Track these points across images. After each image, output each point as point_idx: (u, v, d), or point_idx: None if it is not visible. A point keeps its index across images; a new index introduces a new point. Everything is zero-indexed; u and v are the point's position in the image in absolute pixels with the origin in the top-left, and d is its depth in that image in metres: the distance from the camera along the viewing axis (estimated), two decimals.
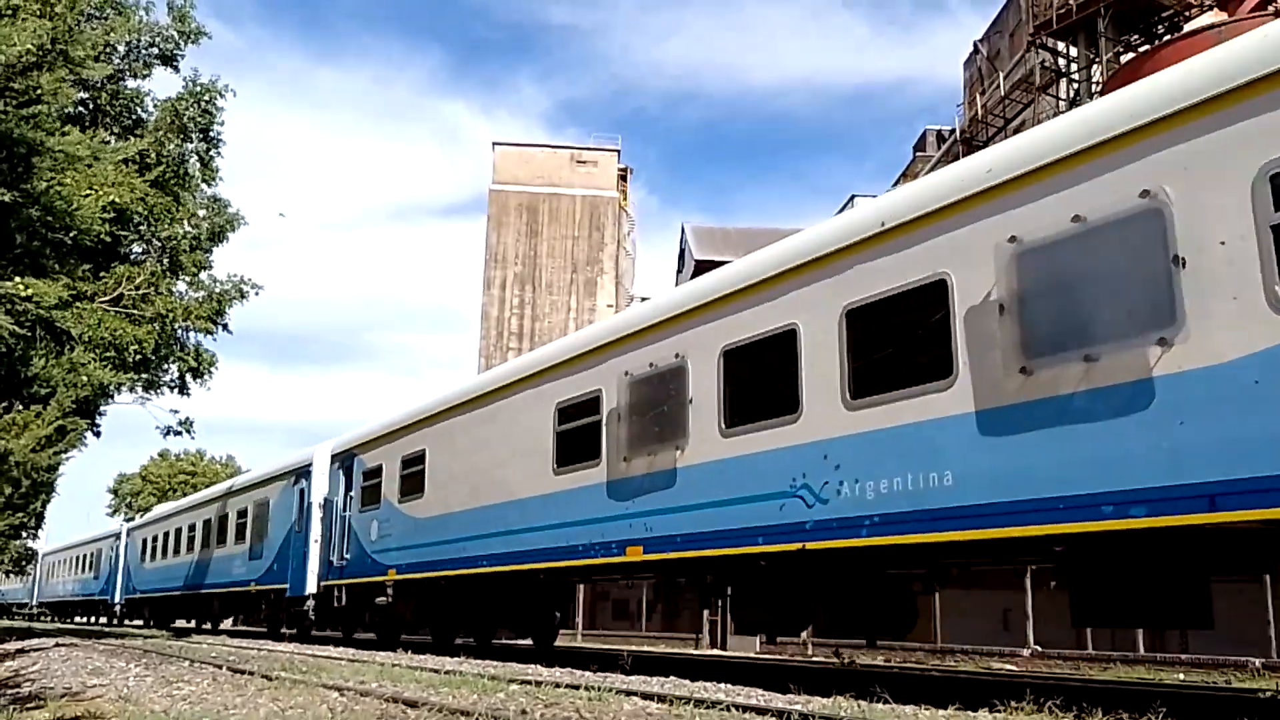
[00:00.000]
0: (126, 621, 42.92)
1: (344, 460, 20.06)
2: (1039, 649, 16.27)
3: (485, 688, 9.18)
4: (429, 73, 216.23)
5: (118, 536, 43.10)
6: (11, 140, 15.77)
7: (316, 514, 21.00)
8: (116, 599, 41.89)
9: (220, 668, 12.82)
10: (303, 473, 22.22)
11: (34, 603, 62.97)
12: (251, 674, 11.56)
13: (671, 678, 10.46)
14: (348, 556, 18.93)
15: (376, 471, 18.43)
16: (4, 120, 15.54)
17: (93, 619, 51.23)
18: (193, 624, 35.53)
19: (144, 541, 38.11)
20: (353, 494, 19.19)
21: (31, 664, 15.30)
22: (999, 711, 7.15)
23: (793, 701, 7.90)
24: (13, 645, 21.05)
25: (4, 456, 15.12)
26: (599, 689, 8.67)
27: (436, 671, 11.38)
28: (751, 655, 19.12)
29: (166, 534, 34.67)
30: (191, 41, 23.68)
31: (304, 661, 14.14)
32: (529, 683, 9.62)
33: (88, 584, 47.86)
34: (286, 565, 22.24)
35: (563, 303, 62.68)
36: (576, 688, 8.86)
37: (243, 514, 26.23)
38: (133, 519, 48.94)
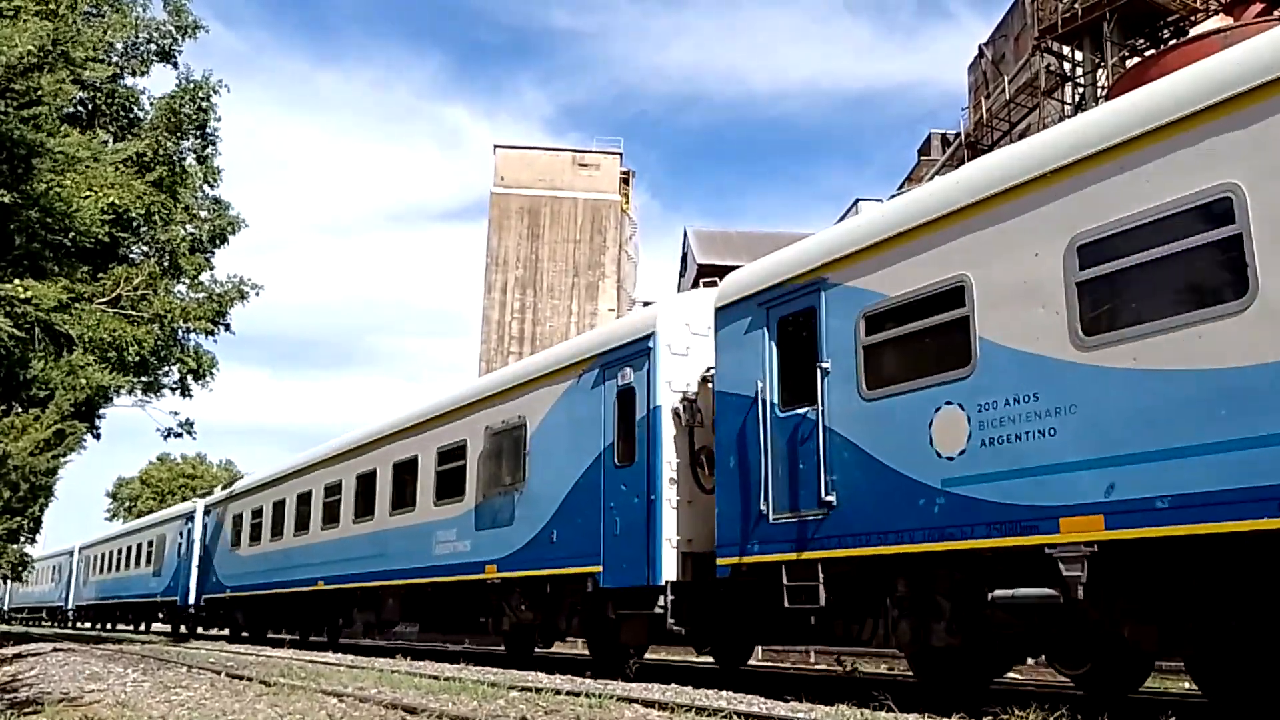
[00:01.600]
0: (201, 629, 33.64)
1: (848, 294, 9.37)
2: (1044, 656, 16.13)
3: (485, 694, 9.10)
4: (430, 76, 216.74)
5: (189, 518, 32.54)
6: (11, 141, 15.72)
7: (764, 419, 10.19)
8: (189, 600, 31.22)
9: (218, 673, 12.76)
10: (631, 355, 12.34)
11: (69, 607, 51.31)
12: (250, 679, 11.50)
13: (673, 685, 10.39)
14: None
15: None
16: (4, 121, 15.49)
17: (142, 626, 41.59)
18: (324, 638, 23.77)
19: (236, 519, 27.54)
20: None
21: (29, 669, 15.23)
22: (1003, 719, 7.06)
23: (794, 709, 7.82)
24: (10, 650, 20.98)
25: (2, 460, 15.03)
26: (599, 695, 8.59)
27: (436, 678, 11.30)
28: (753, 663, 19.00)
29: (278, 504, 24.15)
30: (189, 36, 23.64)
31: (303, 667, 14.06)
32: (529, 689, 9.55)
33: (144, 582, 36.89)
34: (605, 533, 12.05)
35: (564, 306, 62.67)
36: (577, 694, 8.77)
37: (452, 454, 16.08)
38: (209, 492, 37.26)
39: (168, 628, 37.67)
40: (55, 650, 19.80)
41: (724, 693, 9.37)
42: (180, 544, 32.43)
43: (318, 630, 23.82)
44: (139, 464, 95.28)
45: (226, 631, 30.63)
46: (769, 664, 18.72)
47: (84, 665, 15.19)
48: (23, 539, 34.98)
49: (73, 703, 9.94)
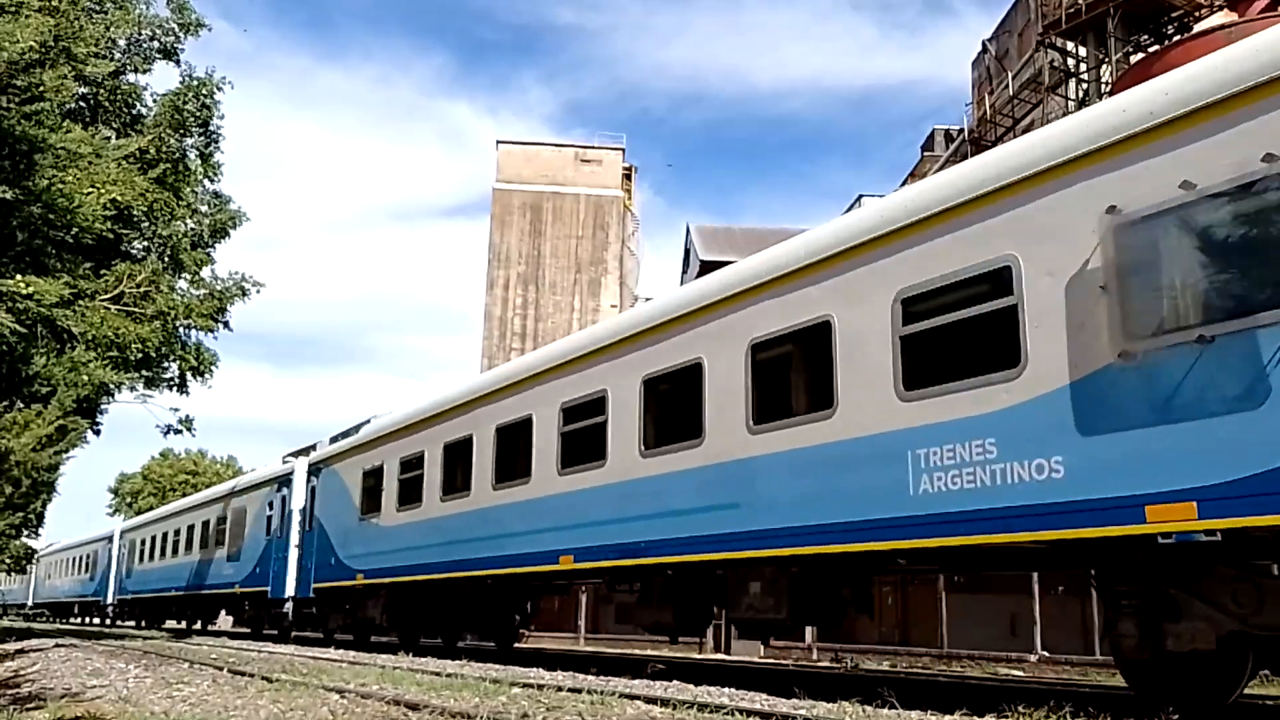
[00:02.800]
0: (303, 629, 24.16)
1: None
2: (1046, 654, 16.15)
3: (487, 691, 9.09)
4: (434, 73, 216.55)
5: (282, 483, 24.45)
6: (14, 137, 15.72)
7: None
8: (286, 590, 23.14)
9: (220, 669, 12.76)
10: None
11: (109, 601, 42.64)
12: (252, 676, 11.49)
13: (675, 682, 10.39)
14: None
15: None
16: (6, 117, 15.50)
17: (193, 623, 34.82)
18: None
19: (372, 476, 19.22)
20: None
21: (31, 664, 15.23)
22: (1006, 716, 7.05)
23: (797, 706, 7.81)
24: (12, 645, 21.01)
25: (4, 456, 15.06)
26: (601, 693, 8.58)
27: (438, 674, 11.31)
28: (755, 660, 19.03)
29: (456, 447, 16.07)
30: (191, 34, 23.72)
31: (304, 663, 14.08)
32: (531, 686, 9.54)
33: (215, 569, 28.72)
34: None
35: (566, 303, 62.65)
36: (579, 691, 8.77)
37: (963, 294, 8.12)
38: (309, 449, 24.26)
39: (239, 625, 30.72)
40: (57, 646, 19.83)
41: (726, 689, 9.36)
42: (270, 517, 24.83)
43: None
44: (141, 460, 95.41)
45: (322, 634, 22.64)
46: (771, 660, 18.73)
47: (86, 661, 15.20)
48: (25, 534, 34.37)
49: (75, 699, 9.93)
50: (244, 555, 26.39)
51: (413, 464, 17.54)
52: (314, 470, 22.68)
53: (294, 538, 23.05)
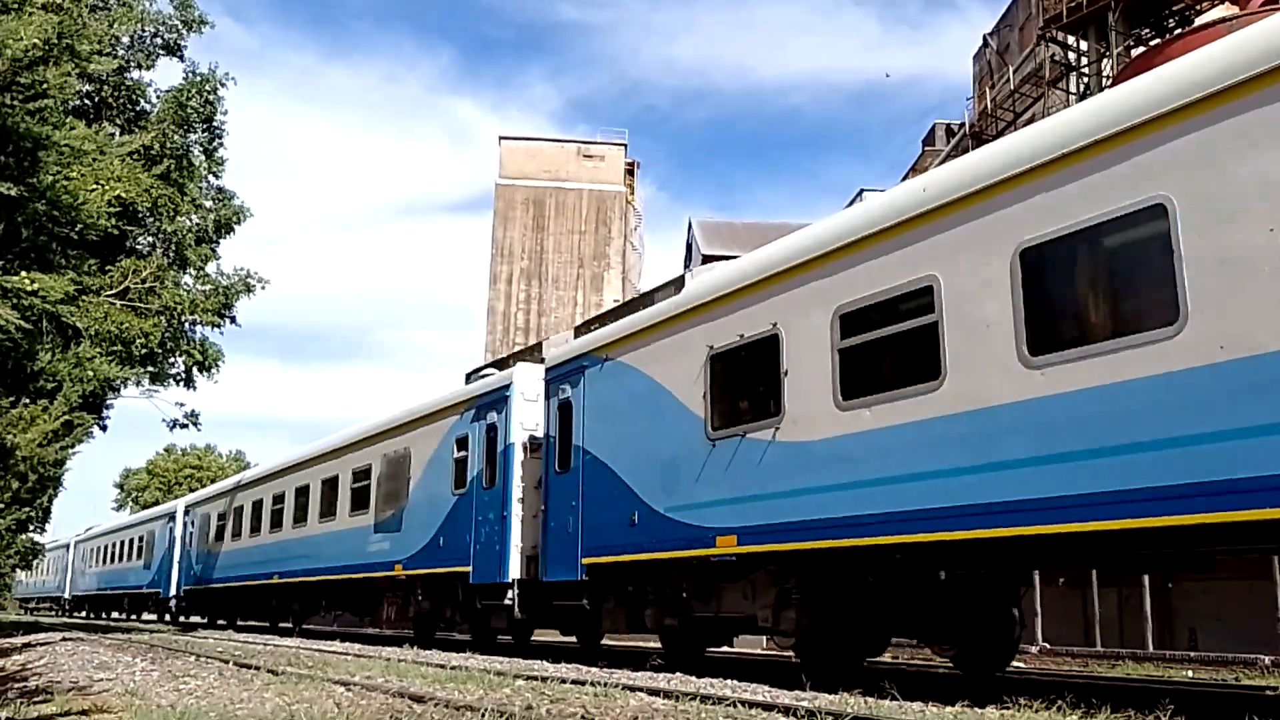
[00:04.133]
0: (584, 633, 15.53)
1: None
2: (1047, 646, 16.21)
3: (491, 683, 9.15)
4: (439, 70, 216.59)
5: (489, 406, 16.21)
6: (18, 135, 15.75)
7: None
8: (508, 571, 14.90)
9: (226, 663, 12.83)
10: None
11: (171, 593, 34.10)
12: (258, 669, 11.55)
13: (678, 674, 10.43)
14: None
15: None
16: (10, 115, 15.52)
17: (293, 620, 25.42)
18: None
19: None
20: None
21: (38, 658, 15.31)
22: (1007, 709, 7.10)
23: (800, 698, 7.85)
24: (19, 639, 21.11)
25: (10, 451, 15.13)
26: (604, 685, 8.63)
27: (443, 667, 11.36)
28: (758, 652, 19.07)
29: None
30: (194, 30, 23.79)
31: (310, 656, 14.14)
32: (535, 678, 9.59)
33: (354, 544, 20.25)
34: None
35: (569, 298, 62.69)
36: (582, 683, 8.82)
37: None
38: (524, 350, 19.31)
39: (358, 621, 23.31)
40: (64, 640, 19.92)
41: (729, 681, 9.41)
42: (463, 460, 16.81)
43: None
44: (146, 455, 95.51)
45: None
46: (774, 653, 18.78)
47: (93, 654, 15.27)
48: (32, 528, 34.15)
49: (82, 692, 9.99)
50: (408, 521, 18.30)
51: (894, 309, 8.71)
52: (565, 375, 14.02)
53: (516, 489, 15.30)
